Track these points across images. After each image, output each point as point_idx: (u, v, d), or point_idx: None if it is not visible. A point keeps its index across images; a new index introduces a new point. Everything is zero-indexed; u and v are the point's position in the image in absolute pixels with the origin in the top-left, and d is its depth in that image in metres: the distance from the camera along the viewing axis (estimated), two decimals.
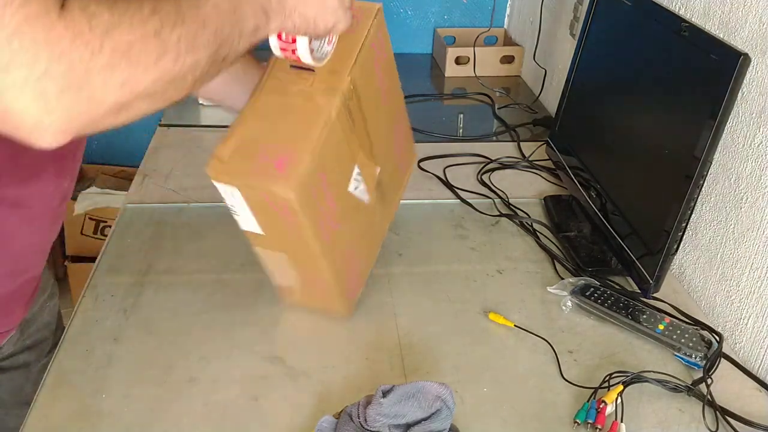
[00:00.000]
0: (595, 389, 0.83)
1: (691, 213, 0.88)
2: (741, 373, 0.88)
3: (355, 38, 0.84)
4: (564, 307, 0.98)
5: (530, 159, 1.41)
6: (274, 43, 0.71)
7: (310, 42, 0.71)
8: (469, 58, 1.88)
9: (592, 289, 0.99)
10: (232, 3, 0.58)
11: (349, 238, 0.89)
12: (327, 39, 0.76)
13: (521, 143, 1.48)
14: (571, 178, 1.22)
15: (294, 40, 0.70)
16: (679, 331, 0.91)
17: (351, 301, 0.95)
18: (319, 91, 0.81)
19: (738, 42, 0.94)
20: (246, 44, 0.61)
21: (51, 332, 1.00)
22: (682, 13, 1.07)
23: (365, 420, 0.72)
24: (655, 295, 0.96)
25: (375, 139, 0.91)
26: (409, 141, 1.08)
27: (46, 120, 0.46)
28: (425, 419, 0.72)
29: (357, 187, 0.89)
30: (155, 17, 0.50)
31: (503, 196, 1.26)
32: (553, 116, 1.38)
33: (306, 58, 0.72)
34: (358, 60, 0.83)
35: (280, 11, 0.63)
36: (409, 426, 0.72)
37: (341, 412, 0.75)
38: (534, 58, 1.75)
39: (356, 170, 0.88)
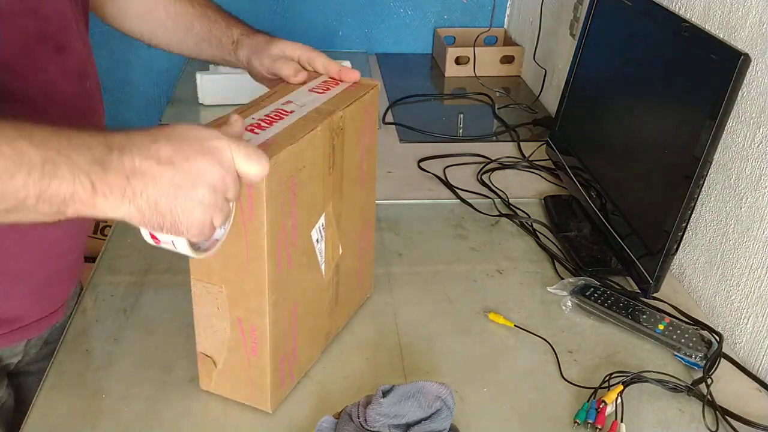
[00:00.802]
0: (595, 389, 0.83)
1: (691, 213, 0.88)
2: (741, 373, 0.88)
3: (350, 95, 0.81)
4: (564, 307, 0.98)
5: (530, 159, 1.41)
6: (145, 235, 0.59)
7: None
8: (469, 58, 1.88)
9: (592, 289, 0.99)
10: (45, 155, 0.49)
11: (297, 296, 0.77)
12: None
13: (521, 143, 1.48)
14: (571, 178, 1.22)
15: (172, 243, 0.59)
16: (679, 331, 0.91)
17: (278, 389, 0.78)
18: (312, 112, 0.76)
19: (738, 42, 0.94)
20: (49, 210, 0.50)
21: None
22: (682, 13, 1.07)
23: (365, 420, 0.72)
24: (655, 295, 0.96)
25: (345, 217, 0.84)
26: (369, 268, 0.97)
27: None
28: (425, 419, 0.72)
29: (318, 240, 0.79)
30: None
31: (503, 196, 1.26)
32: (553, 116, 1.38)
33: (185, 251, 0.59)
34: (349, 108, 0.78)
35: (119, 191, 0.51)
36: (409, 426, 0.72)
37: (341, 412, 0.75)
38: (534, 58, 1.75)
39: (322, 220, 0.78)
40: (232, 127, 0.61)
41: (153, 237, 0.59)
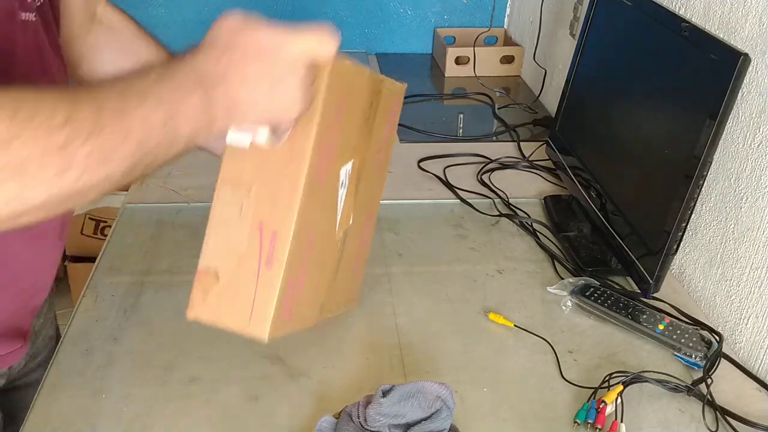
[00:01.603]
0: (595, 389, 0.83)
1: (691, 213, 0.88)
2: (741, 373, 0.88)
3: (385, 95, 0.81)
4: (564, 307, 0.98)
5: (530, 159, 1.41)
6: (230, 137, 0.65)
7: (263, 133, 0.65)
8: (469, 58, 1.88)
9: (592, 289, 0.99)
10: (165, 113, 0.54)
11: (316, 228, 0.75)
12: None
13: (521, 143, 1.48)
14: (571, 178, 1.22)
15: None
16: (679, 331, 0.91)
17: (279, 317, 0.72)
18: None
19: (738, 42, 0.94)
20: (180, 149, 0.56)
21: (54, 345, 1.00)
22: (682, 13, 1.07)
23: (365, 420, 0.72)
24: (655, 295, 0.96)
25: (359, 195, 0.83)
26: (361, 271, 0.94)
27: None
28: (425, 419, 0.72)
29: (342, 184, 0.79)
30: (65, 129, 0.47)
31: (503, 196, 1.26)
32: (553, 116, 1.38)
33: (265, 143, 0.66)
34: (387, 83, 0.81)
35: (228, 117, 0.59)
36: (409, 426, 0.72)
37: (341, 412, 0.75)
38: (534, 58, 1.75)
39: (349, 166, 0.79)
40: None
41: (235, 136, 0.65)
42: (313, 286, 0.79)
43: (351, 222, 0.84)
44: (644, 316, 0.94)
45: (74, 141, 0.47)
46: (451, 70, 1.89)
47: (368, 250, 0.94)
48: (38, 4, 0.73)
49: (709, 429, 0.79)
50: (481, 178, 1.33)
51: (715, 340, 0.90)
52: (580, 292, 0.98)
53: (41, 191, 0.47)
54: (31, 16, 0.71)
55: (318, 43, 0.63)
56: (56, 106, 0.48)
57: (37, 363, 0.90)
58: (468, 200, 1.24)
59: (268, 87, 0.59)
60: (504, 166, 1.38)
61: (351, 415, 0.73)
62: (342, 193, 0.80)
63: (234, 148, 0.68)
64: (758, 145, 0.90)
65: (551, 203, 1.23)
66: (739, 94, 0.87)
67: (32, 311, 0.86)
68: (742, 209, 0.94)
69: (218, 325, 0.71)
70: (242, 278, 0.71)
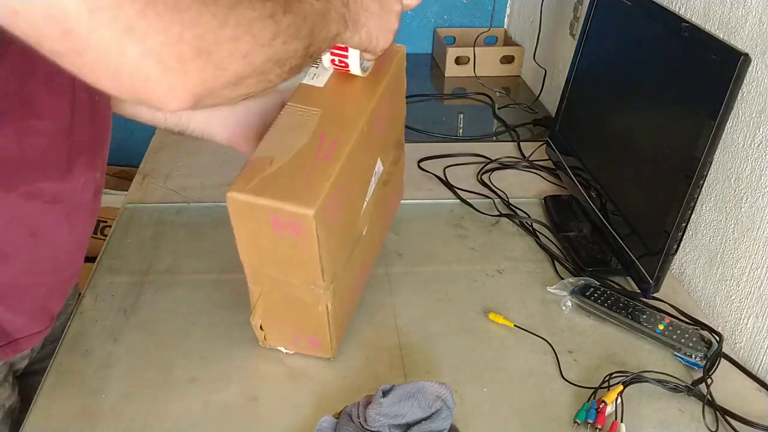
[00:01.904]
0: (595, 389, 0.83)
1: (691, 213, 0.88)
2: (741, 373, 0.89)
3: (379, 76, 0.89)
4: (564, 307, 0.98)
5: (530, 159, 1.41)
6: (326, 62, 0.80)
7: (360, 55, 0.78)
8: (469, 58, 1.88)
9: (592, 289, 0.99)
10: (325, 6, 0.62)
11: (354, 185, 0.82)
12: None
13: (521, 143, 1.48)
14: (571, 178, 1.22)
15: (346, 50, 0.78)
16: (679, 331, 0.91)
17: (323, 209, 0.73)
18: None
19: (738, 42, 0.94)
20: (328, 46, 0.65)
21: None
22: (682, 13, 1.07)
23: (365, 420, 0.72)
24: (655, 295, 0.96)
25: (378, 209, 0.94)
26: (364, 280, 1.00)
27: (180, 82, 0.49)
28: (425, 419, 0.72)
29: (376, 173, 0.89)
30: (269, 2, 0.53)
31: (503, 196, 1.26)
32: (553, 116, 1.38)
33: (355, 69, 0.80)
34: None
35: (355, 24, 0.69)
36: (409, 426, 0.72)
37: (341, 412, 0.75)
38: (534, 58, 1.75)
39: (379, 163, 0.90)
40: None
41: (333, 62, 0.82)
42: (341, 234, 0.81)
43: (365, 230, 0.88)
44: (644, 316, 0.94)
45: (277, 12, 0.54)
46: (451, 70, 1.89)
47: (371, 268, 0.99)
48: None
49: (709, 429, 0.79)
50: (481, 178, 1.33)
51: (715, 340, 0.90)
52: (580, 292, 0.98)
53: (263, 52, 0.53)
54: None
55: None
56: None
57: (51, 349, 0.91)
58: (468, 200, 1.24)
59: (380, 8, 0.71)
60: (504, 166, 1.38)
61: (351, 415, 0.73)
62: (373, 182, 0.88)
63: (306, 84, 0.84)
64: (758, 145, 0.90)
65: (551, 203, 1.23)
66: (739, 94, 0.87)
67: (64, 291, 0.88)
68: (742, 209, 0.94)
69: (257, 203, 0.71)
70: (298, 165, 0.74)
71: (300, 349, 0.87)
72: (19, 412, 0.87)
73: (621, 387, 0.82)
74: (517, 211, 1.22)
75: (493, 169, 1.36)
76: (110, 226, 1.14)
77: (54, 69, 0.48)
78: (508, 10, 2.04)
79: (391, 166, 0.97)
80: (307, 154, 0.75)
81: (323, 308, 0.80)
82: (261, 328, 0.86)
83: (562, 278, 1.04)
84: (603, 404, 0.79)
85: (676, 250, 0.91)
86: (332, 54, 0.80)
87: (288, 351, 0.87)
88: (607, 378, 0.85)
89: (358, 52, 0.77)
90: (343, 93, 0.85)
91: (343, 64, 0.81)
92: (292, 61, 0.58)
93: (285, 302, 0.81)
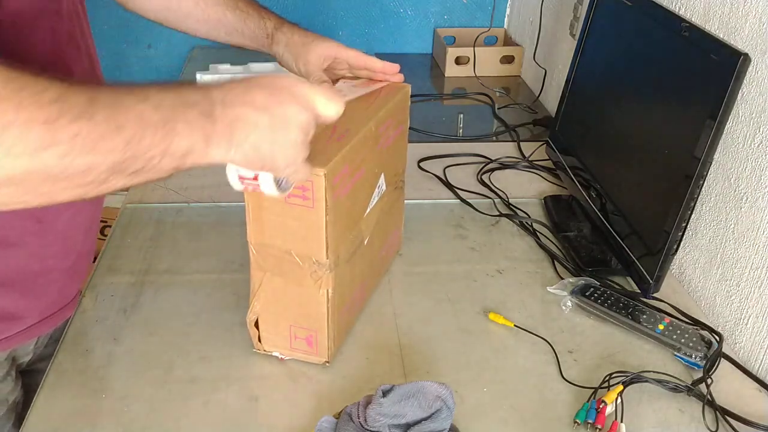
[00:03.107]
0: (595, 389, 0.83)
1: (691, 213, 0.88)
2: (741, 373, 0.88)
3: (381, 102, 0.90)
4: (564, 307, 0.98)
5: (530, 159, 1.41)
6: (232, 174, 0.64)
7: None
8: (469, 58, 1.88)
9: (592, 289, 0.99)
10: (164, 116, 0.52)
11: (362, 163, 0.84)
12: None
13: (521, 143, 1.48)
14: (571, 178, 1.22)
15: (256, 177, 0.64)
16: (679, 331, 0.91)
17: (332, 175, 0.74)
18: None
19: (738, 42, 0.94)
20: (171, 165, 0.54)
21: None
22: (682, 13, 1.07)
23: (365, 420, 0.72)
24: (655, 295, 0.96)
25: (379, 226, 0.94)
26: (398, 230, 1.08)
27: None
28: (425, 419, 0.72)
29: (379, 186, 0.90)
30: (54, 105, 0.47)
31: (503, 196, 1.26)
32: (553, 116, 1.38)
33: (268, 188, 0.65)
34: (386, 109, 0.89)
35: (228, 140, 0.56)
36: (409, 426, 0.72)
37: (341, 412, 0.75)
38: (534, 58, 1.75)
39: (382, 179, 0.91)
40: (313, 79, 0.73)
41: (241, 180, 0.64)
42: (341, 229, 0.82)
43: (366, 240, 0.89)
44: (644, 316, 0.94)
45: (61, 119, 0.47)
46: (451, 70, 1.89)
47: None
48: None
49: (709, 429, 0.79)
50: (481, 178, 1.33)
51: (715, 340, 0.90)
52: (580, 292, 0.98)
53: (22, 162, 0.46)
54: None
55: (325, 100, 0.62)
56: (50, 85, 0.48)
57: (54, 348, 0.92)
58: (468, 200, 1.24)
59: (269, 118, 0.58)
60: (504, 166, 1.38)
61: (351, 415, 0.73)
62: (376, 194, 0.89)
63: None
64: (758, 145, 0.90)
65: (551, 203, 1.23)
66: (739, 94, 0.87)
67: (80, 272, 0.90)
68: (742, 209, 0.94)
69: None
70: (311, 141, 0.73)
71: (295, 351, 0.86)
72: (22, 408, 0.88)
73: (621, 387, 0.82)
74: (517, 211, 1.22)
75: (493, 169, 1.36)
76: (110, 226, 1.14)
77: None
78: (508, 10, 2.05)
79: (391, 198, 0.97)
80: (320, 136, 0.75)
81: (323, 294, 0.80)
82: (257, 326, 0.85)
83: (562, 278, 1.04)
84: (603, 404, 0.79)
85: (676, 250, 0.91)
86: (240, 181, 0.65)
87: (283, 356, 0.87)
88: (607, 378, 0.84)
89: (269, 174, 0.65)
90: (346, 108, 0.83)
91: (257, 191, 0.66)
92: (84, 178, 0.49)
93: (285, 289, 0.82)
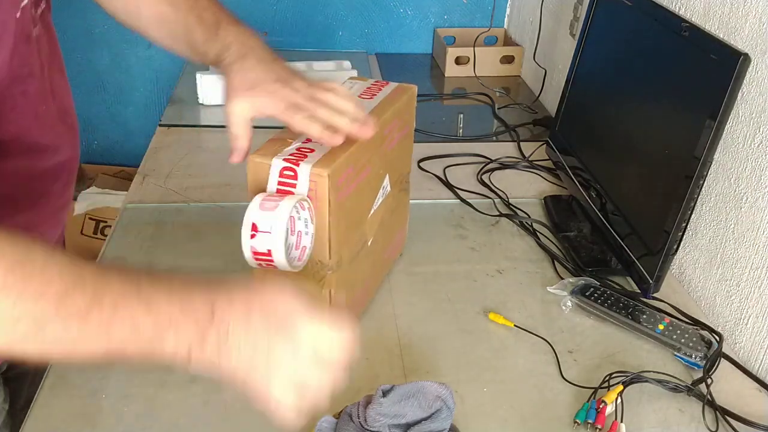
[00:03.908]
0: (595, 389, 0.83)
1: (691, 213, 0.88)
2: (741, 373, 0.89)
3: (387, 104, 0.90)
4: (564, 307, 0.98)
5: (530, 159, 1.41)
6: (248, 255, 0.69)
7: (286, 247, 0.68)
8: (469, 58, 1.88)
9: (592, 289, 0.99)
10: (154, 325, 0.52)
11: (369, 161, 0.84)
12: (296, 246, 0.74)
13: (521, 143, 1.48)
14: (571, 178, 1.22)
15: (269, 252, 0.68)
16: (679, 331, 0.91)
17: (337, 175, 0.75)
18: None
19: (738, 42, 0.94)
20: (155, 362, 0.54)
21: None
22: (682, 13, 1.07)
23: (365, 420, 0.72)
24: (655, 295, 0.96)
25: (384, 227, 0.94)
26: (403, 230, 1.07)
27: None
28: (425, 419, 0.72)
29: (383, 188, 0.90)
30: (50, 302, 0.48)
31: (503, 196, 1.26)
32: (553, 116, 1.38)
33: (281, 261, 0.69)
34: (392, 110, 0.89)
35: (210, 359, 0.55)
36: (409, 426, 0.72)
37: (341, 412, 0.75)
38: (534, 58, 1.75)
39: (386, 181, 0.91)
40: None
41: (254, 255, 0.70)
42: (344, 229, 0.81)
43: (370, 241, 0.89)
44: (644, 316, 0.94)
45: (56, 317, 0.48)
46: (451, 70, 1.89)
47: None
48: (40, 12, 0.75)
49: (709, 429, 0.79)
50: (481, 178, 1.33)
51: (715, 340, 0.90)
52: (580, 292, 0.98)
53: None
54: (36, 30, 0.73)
55: (329, 344, 0.59)
56: (58, 277, 0.49)
57: None
58: (468, 200, 1.24)
59: (263, 358, 0.56)
60: (504, 166, 1.38)
61: (351, 415, 0.73)
62: (380, 195, 0.89)
63: None
64: (758, 145, 0.90)
65: (551, 203, 1.23)
66: (739, 94, 0.87)
67: (52, 224, 0.86)
68: (742, 209, 0.94)
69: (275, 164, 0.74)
70: (314, 143, 0.77)
71: None
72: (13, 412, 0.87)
73: (621, 387, 0.82)
74: (517, 211, 1.22)
75: (493, 169, 1.36)
76: (110, 226, 1.14)
77: None
78: (508, 10, 2.04)
79: (396, 199, 0.97)
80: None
81: (326, 295, 0.80)
82: None
83: (562, 278, 1.04)
84: (603, 404, 0.79)
85: (676, 250, 0.91)
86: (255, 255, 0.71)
87: None
88: (607, 378, 0.85)
89: (282, 246, 0.68)
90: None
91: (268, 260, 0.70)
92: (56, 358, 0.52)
93: None
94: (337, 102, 0.78)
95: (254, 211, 0.69)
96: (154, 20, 0.88)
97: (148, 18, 0.88)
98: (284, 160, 0.74)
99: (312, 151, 0.76)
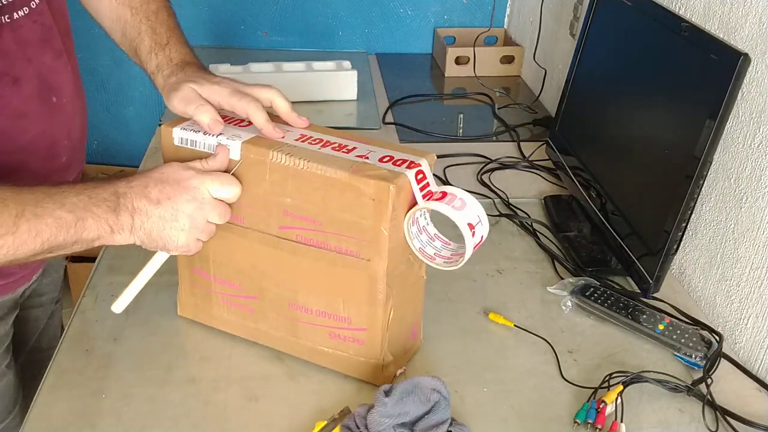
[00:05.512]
0: (595, 389, 0.83)
1: (691, 213, 0.88)
2: (741, 373, 0.88)
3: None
4: (564, 307, 0.98)
5: (530, 159, 1.41)
6: (470, 253, 0.81)
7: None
8: (469, 58, 1.88)
9: (592, 289, 0.99)
10: (77, 215, 0.68)
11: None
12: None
13: (521, 143, 1.48)
14: (571, 178, 1.22)
15: (482, 237, 0.81)
16: (679, 331, 0.91)
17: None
18: None
19: (738, 42, 0.94)
20: (84, 247, 0.70)
21: (58, 297, 1.14)
22: (682, 13, 1.07)
23: (366, 427, 0.71)
24: (655, 295, 0.96)
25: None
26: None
27: None
28: (427, 413, 0.72)
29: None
30: None
31: (503, 196, 1.26)
32: (553, 116, 1.38)
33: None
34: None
35: (128, 227, 0.72)
36: (414, 423, 0.72)
37: (340, 413, 0.75)
38: (534, 58, 1.75)
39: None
40: (215, 159, 0.77)
41: None
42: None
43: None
44: (644, 316, 0.94)
45: None
46: (451, 70, 1.89)
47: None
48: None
49: (709, 429, 0.79)
50: (481, 178, 1.33)
51: (715, 340, 0.90)
52: (580, 292, 0.98)
53: None
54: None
55: (218, 186, 0.75)
56: None
57: (39, 302, 1.01)
58: None
59: (160, 210, 0.73)
60: (504, 166, 1.38)
61: (350, 428, 0.73)
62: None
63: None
64: (758, 145, 0.90)
65: (551, 203, 1.23)
66: (739, 94, 0.87)
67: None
68: (742, 209, 0.94)
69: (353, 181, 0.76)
70: None
71: (339, 345, 0.82)
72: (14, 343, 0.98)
73: (621, 387, 0.82)
74: (517, 211, 1.22)
75: (493, 169, 1.36)
76: None
77: None
78: (508, 10, 2.05)
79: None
80: None
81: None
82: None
83: (562, 278, 1.04)
84: (603, 404, 0.79)
85: (676, 250, 0.91)
86: None
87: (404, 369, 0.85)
88: (607, 378, 0.85)
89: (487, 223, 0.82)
90: None
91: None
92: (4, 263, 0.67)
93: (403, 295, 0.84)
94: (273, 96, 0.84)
95: (459, 213, 0.79)
96: (113, 19, 0.96)
97: (110, 16, 0.96)
98: (182, 129, 0.79)
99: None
